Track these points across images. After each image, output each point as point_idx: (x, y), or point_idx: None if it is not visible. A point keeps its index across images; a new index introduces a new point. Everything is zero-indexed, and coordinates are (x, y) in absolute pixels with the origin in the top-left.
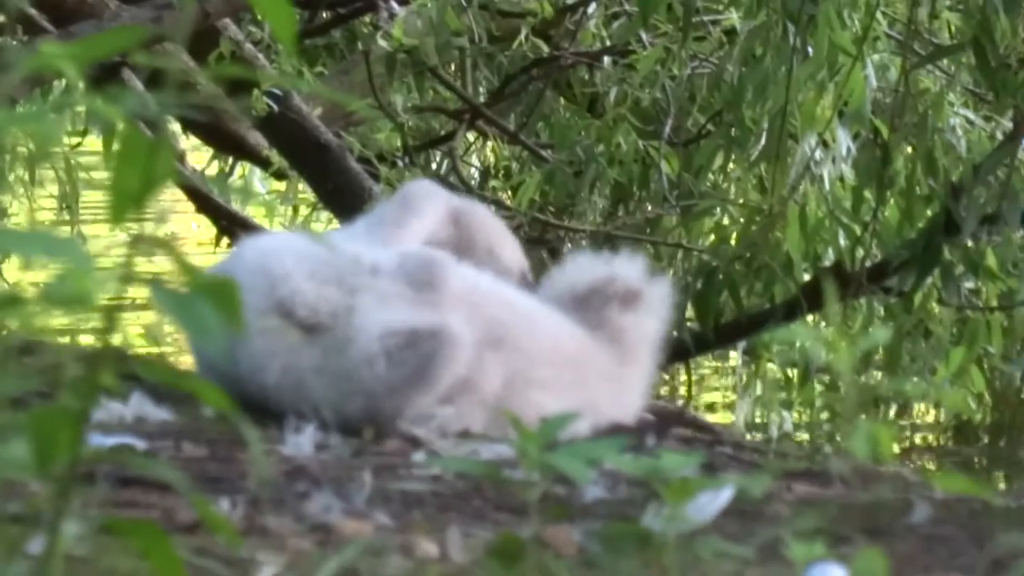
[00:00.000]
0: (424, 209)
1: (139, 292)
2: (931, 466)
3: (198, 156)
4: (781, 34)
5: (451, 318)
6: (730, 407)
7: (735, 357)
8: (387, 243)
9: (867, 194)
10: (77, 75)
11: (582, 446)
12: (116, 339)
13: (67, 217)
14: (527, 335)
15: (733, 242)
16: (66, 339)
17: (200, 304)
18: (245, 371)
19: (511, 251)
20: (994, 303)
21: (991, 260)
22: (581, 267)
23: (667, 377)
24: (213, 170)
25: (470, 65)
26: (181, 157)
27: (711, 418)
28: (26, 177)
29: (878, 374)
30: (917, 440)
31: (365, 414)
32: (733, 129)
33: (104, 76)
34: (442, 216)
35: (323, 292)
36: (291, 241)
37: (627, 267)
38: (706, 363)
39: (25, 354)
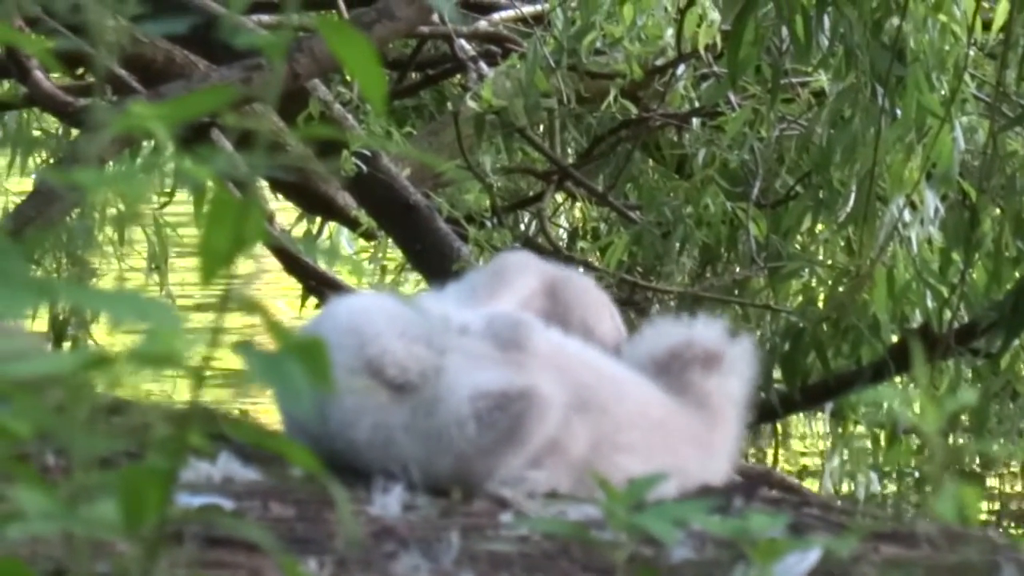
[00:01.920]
0: (516, 281)
1: (228, 352)
2: (1018, 529)
3: (286, 216)
4: (870, 96)
5: (540, 379)
6: (817, 468)
7: (822, 418)
8: (477, 309)
9: (955, 256)
10: (166, 135)
11: (669, 507)
12: (204, 399)
13: (156, 277)
14: (614, 399)
15: (821, 304)
16: (155, 399)
17: (289, 365)
18: (335, 428)
19: (608, 325)
20: None
21: None
22: (659, 332)
23: (754, 438)
24: (301, 230)
25: (559, 126)
26: (270, 218)
27: (798, 479)
28: (115, 237)
29: (965, 436)
30: (1004, 502)
31: (455, 474)
32: (821, 191)
33: (193, 136)
34: (535, 288)
35: (413, 351)
36: (381, 301)
37: (705, 330)
38: (793, 424)
39: (114, 414)
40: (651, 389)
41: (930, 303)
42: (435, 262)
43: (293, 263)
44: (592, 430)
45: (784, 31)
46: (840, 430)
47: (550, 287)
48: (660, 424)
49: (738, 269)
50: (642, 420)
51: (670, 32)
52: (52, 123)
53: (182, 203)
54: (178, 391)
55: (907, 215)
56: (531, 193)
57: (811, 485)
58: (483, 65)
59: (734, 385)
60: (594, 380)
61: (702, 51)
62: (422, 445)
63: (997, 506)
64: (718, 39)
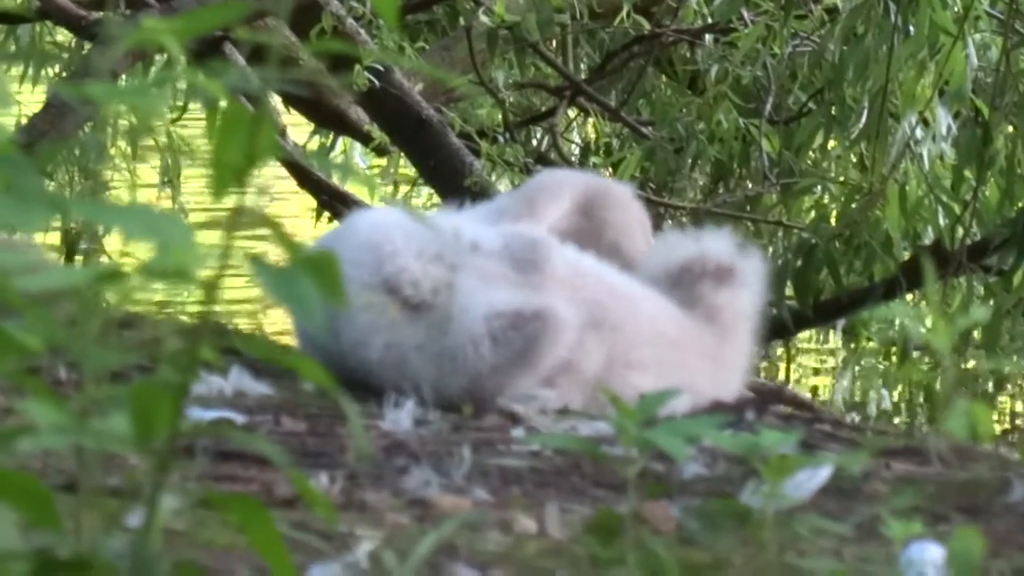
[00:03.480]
0: (546, 206)
1: (240, 266)
2: None
3: (299, 131)
4: (882, 12)
5: (555, 299)
6: (829, 385)
7: (834, 335)
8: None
9: (967, 173)
10: (179, 49)
11: (681, 423)
12: (216, 313)
13: (168, 191)
14: (627, 317)
15: (833, 220)
16: (166, 313)
17: (300, 279)
18: (348, 345)
19: (640, 242)
20: None
21: None
22: (671, 246)
23: (766, 355)
24: (314, 145)
25: (571, 42)
26: (282, 132)
27: (810, 396)
28: (128, 151)
29: (977, 353)
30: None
31: (466, 393)
32: (834, 107)
33: (206, 51)
34: (566, 211)
35: (428, 270)
36: (399, 218)
37: (717, 243)
38: (805, 341)
39: (125, 328)
40: (664, 306)
41: (942, 220)
42: (447, 177)
43: (306, 178)
44: (605, 348)
45: None
46: (852, 347)
47: (586, 203)
48: (673, 341)
49: (750, 185)
50: (655, 337)
51: None
52: (65, 37)
53: (195, 117)
54: (190, 305)
55: (919, 132)
56: (543, 108)
57: (823, 402)
58: None
59: (745, 299)
60: (608, 298)
61: None
62: (435, 364)
63: (1008, 423)
64: None
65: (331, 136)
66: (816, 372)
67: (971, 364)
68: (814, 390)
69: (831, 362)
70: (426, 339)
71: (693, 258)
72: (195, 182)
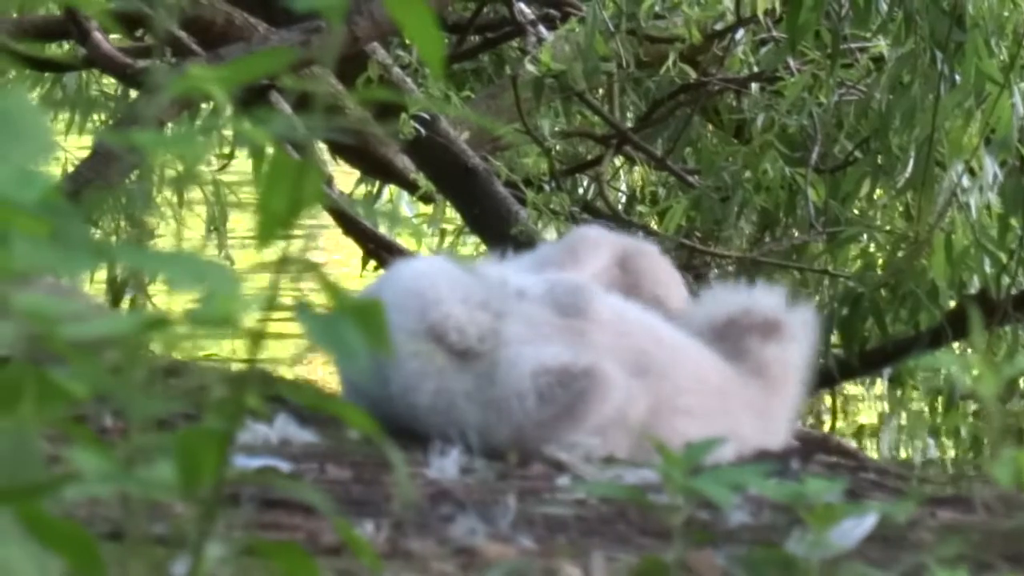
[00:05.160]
0: (588, 256)
1: (286, 314)
2: None
3: (345, 179)
4: (929, 62)
5: (601, 353)
6: (875, 433)
7: (880, 384)
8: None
9: (1013, 222)
10: (225, 98)
11: (726, 471)
12: (262, 361)
13: (214, 239)
14: (673, 364)
15: (879, 269)
16: (212, 361)
17: (345, 327)
18: (396, 392)
19: (677, 297)
20: None
21: None
22: (718, 299)
23: (811, 403)
24: (360, 193)
25: (618, 90)
26: (328, 180)
27: (855, 444)
28: (174, 199)
29: (1023, 402)
30: None
31: (512, 442)
32: (880, 156)
33: (252, 99)
34: (606, 263)
35: (474, 317)
36: (443, 265)
37: (765, 297)
38: (851, 389)
39: (171, 376)
40: (710, 355)
41: (988, 269)
42: (493, 225)
43: (352, 226)
44: (651, 394)
45: None
46: (899, 395)
47: (621, 259)
48: (718, 390)
49: (797, 234)
50: (700, 385)
51: None
52: (111, 85)
53: (241, 163)
54: (236, 353)
55: (966, 181)
56: (589, 157)
57: (869, 451)
58: (542, 29)
59: (793, 353)
60: (653, 345)
61: (761, 16)
62: (482, 413)
63: None
64: (777, 3)
65: (377, 184)
66: (862, 423)
67: (1017, 412)
68: (859, 438)
69: (877, 411)
70: (474, 387)
71: (740, 312)
72: (241, 230)
